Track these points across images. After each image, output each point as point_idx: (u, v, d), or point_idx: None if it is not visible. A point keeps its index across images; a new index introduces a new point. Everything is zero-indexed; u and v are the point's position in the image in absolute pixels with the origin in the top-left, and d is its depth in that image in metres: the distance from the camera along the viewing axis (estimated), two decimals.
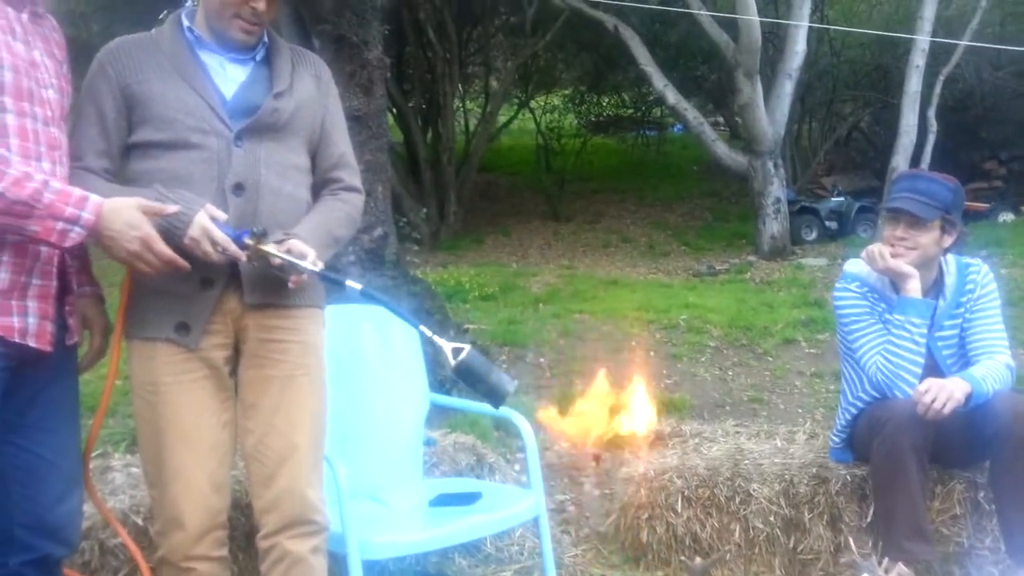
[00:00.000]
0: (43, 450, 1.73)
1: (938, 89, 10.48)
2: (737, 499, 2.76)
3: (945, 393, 2.37)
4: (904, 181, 2.69)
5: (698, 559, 2.61)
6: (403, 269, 4.48)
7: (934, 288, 2.65)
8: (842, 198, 11.58)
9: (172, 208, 1.70)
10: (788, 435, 3.16)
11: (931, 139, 10.35)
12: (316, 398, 1.93)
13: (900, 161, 9.99)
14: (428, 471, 2.73)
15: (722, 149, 10.71)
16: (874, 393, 2.63)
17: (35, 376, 1.70)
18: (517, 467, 3.29)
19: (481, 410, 2.85)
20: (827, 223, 11.20)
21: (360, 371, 2.53)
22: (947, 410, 2.36)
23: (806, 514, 2.73)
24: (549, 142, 14.94)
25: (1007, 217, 11.19)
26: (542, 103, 15.88)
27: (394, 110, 12.42)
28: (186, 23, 1.89)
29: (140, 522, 2.26)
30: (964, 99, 12.18)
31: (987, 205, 11.30)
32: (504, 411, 2.58)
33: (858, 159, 14.43)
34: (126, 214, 1.64)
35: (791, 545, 2.74)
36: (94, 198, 1.62)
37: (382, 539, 2.14)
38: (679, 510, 2.77)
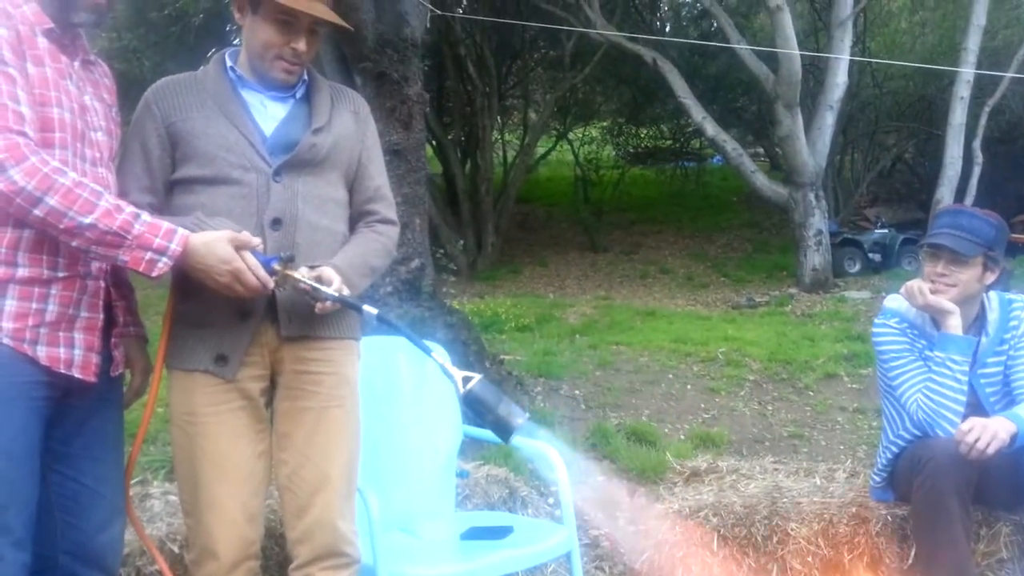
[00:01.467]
0: (87, 479, 1.78)
1: (983, 120, 10.31)
2: (774, 538, 2.71)
3: (989, 433, 2.32)
4: (945, 216, 2.65)
5: None
6: (440, 300, 4.51)
7: (976, 324, 2.60)
8: (886, 230, 11.38)
9: (258, 240, 1.77)
10: (828, 473, 3.11)
11: (976, 171, 10.17)
12: (350, 430, 1.96)
13: (945, 193, 9.82)
14: (460, 504, 2.73)
15: (762, 180, 10.62)
16: (915, 431, 2.58)
17: (80, 406, 1.75)
18: (551, 500, 3.26)
19: (513, 443, 2.84)
20: (870, 255, 11.02)
21: (394, 402, 2.54)
22: (991, 450, 2.31)
23: (846, 555, 2.67)
24: (587, 173, 14.98)
25: None
26: (580, 135, 15.96)
27: (433, 142, 12.60)
28: (229, 63, 1.96)
29: (176, 550, 2.30)
30: (1011, 130, 11.96)
31: None
32: (536, 445, 2.58)
33: (902, 191, 14.21)
34: (219, 249, 1.71)
35: None
36: (181, 231, 1.70)
37: (413, 571, 2.14)
38: (715, 549, 2.72)
